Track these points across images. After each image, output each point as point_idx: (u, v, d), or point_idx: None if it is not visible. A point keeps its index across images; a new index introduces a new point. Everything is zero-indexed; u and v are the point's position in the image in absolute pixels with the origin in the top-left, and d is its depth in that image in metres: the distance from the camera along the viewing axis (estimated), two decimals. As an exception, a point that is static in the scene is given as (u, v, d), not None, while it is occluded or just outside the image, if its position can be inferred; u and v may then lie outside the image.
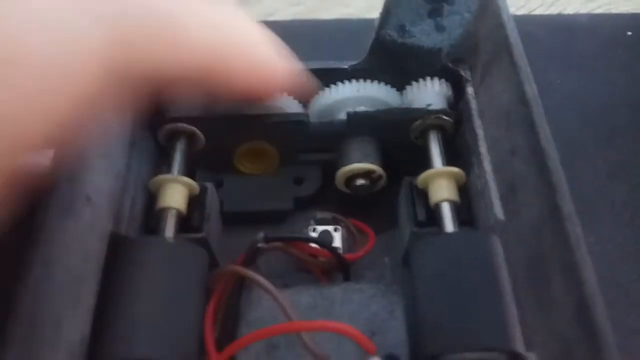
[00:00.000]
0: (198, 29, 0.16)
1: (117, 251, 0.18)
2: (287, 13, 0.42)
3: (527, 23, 0.39)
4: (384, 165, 0.23)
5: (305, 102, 0.24)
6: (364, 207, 0.24)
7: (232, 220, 0.24)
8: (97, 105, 0.14)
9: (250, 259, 0.20)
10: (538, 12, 0.42)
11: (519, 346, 0.17)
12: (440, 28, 0.22)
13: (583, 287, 0.14)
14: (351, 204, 0.24)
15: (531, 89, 0.17)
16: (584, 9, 0.42)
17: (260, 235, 0.20)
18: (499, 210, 0.19)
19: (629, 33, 0.37)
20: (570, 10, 0.42)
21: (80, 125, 0.14)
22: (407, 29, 0.22)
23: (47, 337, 0.14)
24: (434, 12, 0.21)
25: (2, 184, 0.13)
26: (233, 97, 0.19)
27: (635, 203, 0.30)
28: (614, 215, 0.29)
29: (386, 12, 0.22)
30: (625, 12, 0.41)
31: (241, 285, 0.19)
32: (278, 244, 0.20)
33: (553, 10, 0.42)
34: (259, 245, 0.19)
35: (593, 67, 0.35)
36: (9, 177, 0.13)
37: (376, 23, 0.22)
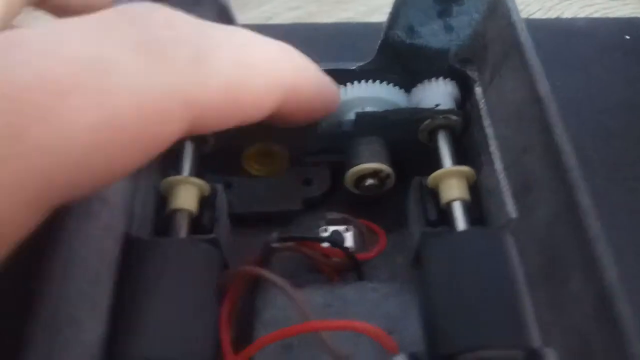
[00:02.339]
0: (266, 90, 0.17)
1: (130, 253, 0.18)
2: (286, 17, 0.42)
3: (525, 27, 0.39)
4: (392, 165, 0.23)
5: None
6: (373, 207, 0.24)
7: (241, 221, 0.24)
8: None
9: (265, 259, 0.20)
10: (537, 16, 0.42)
11: (536, 342, 0.17)
12: (449, 29, 0.22)
13: (603, 280, 0.14)
14: (360, 205, 0.24)
15: (544, 86, 0.17)
16: (582, 13, 0.42)
17: (274, 235, 0.20)
18: (511, 209, 0.19)
19: (627, 37, 0.38)
20: (568, 14, 0.42)
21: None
22: (415, 29, 0.22)
23: (67, 337, 0.14)
24: (443, 13, 0.22)
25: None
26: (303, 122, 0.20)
27: (633, 204, 0.30)
28: (611, 216, 0.29)
29: (395, 13, 0.22)
30: (623, 16, 0.41)
31: (256, 285, 0.19)
32: (291, 244, 0.20)
33: (551, 15, 0.42)
34: (273, 245, 0.19)
35: (591, 70, 0.36)
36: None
37: (384, 24, 0.23)
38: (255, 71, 0.17)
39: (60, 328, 0.14)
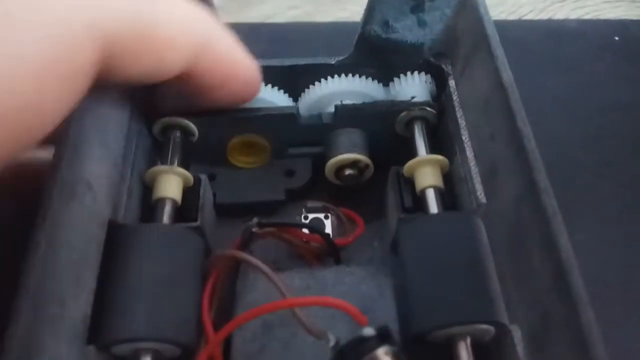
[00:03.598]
0: (168, 30, 0.17)
1: (115, 238, 0.19)
2: (285, 16, 0.43)
3: (518, 28, 0.40)
4: (371, 157, 0.24)
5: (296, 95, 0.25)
6: (353, 197, 0.25)
7: (225, 212, 0.24)
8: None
9: (245, 244, 0.20)
10: (529, 17, 0.43)
11: (504, 318, 0.18)
12: (422, 23, 0.23)
13: (559, 254, 0.15)
14: (341, 195, 0.25)
15: (507, 75, 0.18)
16: (573, 15, 0.43)
17: (254, 220, 0.20)
18: (481, 195, 0.20)
19: (616, 38, 0.39)
20: (560, 16, 0.43)
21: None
22: (390, 24, 0.23)
23: (52, 313, 0.15)
24: (416, 8, 0.23)
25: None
26: (214, 100, 0.20)
27: (622, 201, 0.31)
28: (601, 213, 0.30)
29: (370, 9, 0.23)
30: (613, 18, 0.42)
31: (237, 269, 0.20)
32: (271, 229, 0.21)
33: (543, 16, 0.43)
34: (253, 230, 0.20)
35: (581, 70, 0.37)
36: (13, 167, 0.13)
37: (360, 20, 0.24)
38: (173, 13, 0.17)
39: (45, 304, 0.15)
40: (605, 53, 0.38)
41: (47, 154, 0.18)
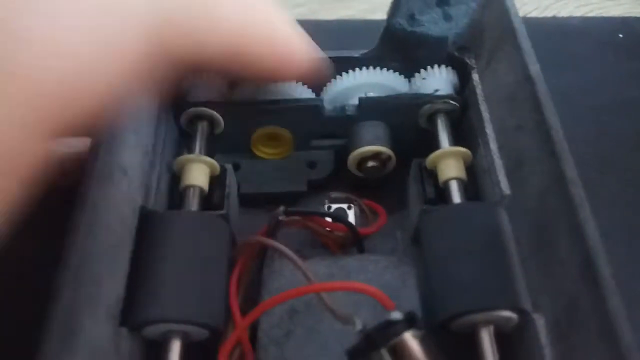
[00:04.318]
0: (231, 10, 0.17)
1: (146, 224, 0.19)
2: (290, 13, 0.44)
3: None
4: (393, 149, 0.24)
5: (318, 90, 0.25)
6: (375, 190, 0.25)
7: (249, 202, 0.25)
8: (133, 84, 0.15)
9: (271, 231, 0.21)
10: (533, 15, 0.43)
11: (527, 305, 0.18)
12: (447, 17, 0.23)
13: (588, 243, 0.15)
14: (363, 187, 0.25)
15: (535, 67, 0.19)
16: (577, 13, 0.43)
17: (281, 208, 0.21)
18: (505, 186, 0.21)
19: (620, 35, 0.39)
20: (564, 13, 0.43)
21: (117, 102, 0.15)
22: (416, 17, 0.23)
23: (90, 293, 0.15)
24: (442, 2, 0.23)
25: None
26: (257, 77, 0.20)
27: (625, 197, 0.31)
28: (604, 210, 0.30)
29: (396, 2, 0.23)
30: (617, 15, 0.42)
31: (263, 256, 0.21)
32: (297, 217, 0.21)
33: (547, 14, 0.43)
34: (280, 218, 0.20)
35: (585, 67, 0.37)
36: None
37: (387, 13, 0.24)
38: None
39: (85, 284, 0.15)
40: (609, 50, 0.38)
41: (67, 148, 0.19)
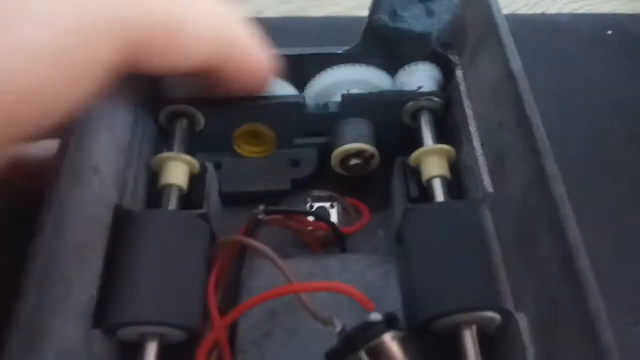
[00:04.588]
0: (195, 28, 0.17)
1: (122, 224, 0.19)
2: (277, 11, 0.43)
3: (511, 22, 0.40)
4: (377, 147, 0.24)
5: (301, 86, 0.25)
6: (358, 188, 0.25)
7: (232, 201, 0.24)
8: (101, 93, 0.15)
9: (251, 230, 0.20)
10: (522, 11, 0.43)
11: (509, 305, 0.18)
12: (430, 12, 0.23)
13: (567, 241, 0.15)
14: (346, 185, 0.25)
15: (517, 64, 0.18)
16: (566, 9, 0.43)
17: (261, 207, 0.20)
18: (487, 184, 0.20)
19: (609, 32, 0.39)
20: (553, 10, 0.43)
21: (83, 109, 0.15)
22: (398, 13, 0.23)
23: (58, 294, 0.15)
24: (424, -2, 0.23)
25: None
26: (229, 90, 0.20)
27: (616, 195, 0.31)
28: (595, 207, 0.30)
29: (378, -2, 0.23)
30: (606, 12, 0.42)
31: (243, 255, 0.20)
32: (277, 216, 0.21)
33: (536, 10, 0.43)
34: (259, 217, 0.20)
35: (574, 64, 0.37)
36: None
37: (368, 9, 0.23)
38: (200, 11, 0.17)
39: (52, 285, 0.15)
40: (598, 47, 0.38)
41: (42, 151, 0.18)
